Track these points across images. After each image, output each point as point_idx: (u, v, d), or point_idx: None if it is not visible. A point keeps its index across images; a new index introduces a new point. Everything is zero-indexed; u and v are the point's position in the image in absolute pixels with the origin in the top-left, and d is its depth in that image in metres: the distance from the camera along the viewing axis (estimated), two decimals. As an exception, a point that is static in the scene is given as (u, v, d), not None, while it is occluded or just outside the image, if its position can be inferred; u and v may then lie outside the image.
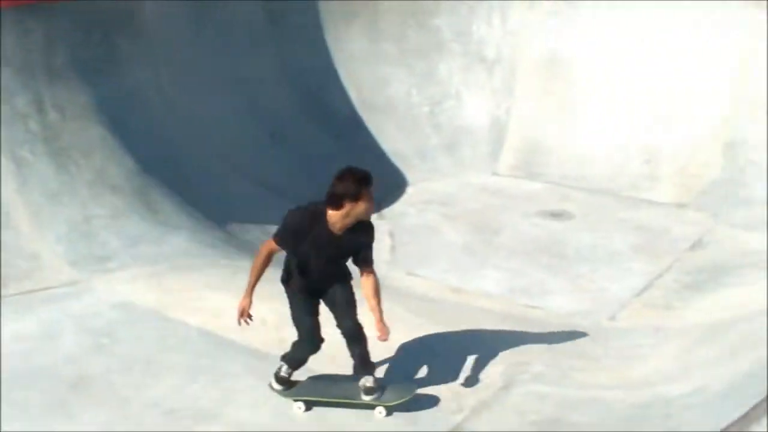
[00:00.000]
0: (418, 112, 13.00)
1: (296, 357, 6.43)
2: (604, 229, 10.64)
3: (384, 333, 6.07)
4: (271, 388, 6.48)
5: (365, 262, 6.12)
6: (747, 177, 11.03)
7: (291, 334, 6.41)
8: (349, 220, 5.89)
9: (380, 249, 9.78)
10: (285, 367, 6.43)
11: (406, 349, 7.12)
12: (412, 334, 7.31)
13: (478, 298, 8.97)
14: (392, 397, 6.37)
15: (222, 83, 11.72)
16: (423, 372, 6.88)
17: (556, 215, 11.05)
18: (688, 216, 10.92)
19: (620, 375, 7.02)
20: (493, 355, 7.10)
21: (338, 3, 13.19)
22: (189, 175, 10.36)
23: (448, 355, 7.14)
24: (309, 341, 6.30)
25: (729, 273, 9.20)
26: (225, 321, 7.14)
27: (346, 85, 13.01)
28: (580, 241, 10.34)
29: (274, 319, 7.20)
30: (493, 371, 6.90)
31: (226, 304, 7.28)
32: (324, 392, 6.50)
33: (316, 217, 5.90)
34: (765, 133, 11.05)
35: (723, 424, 5.33)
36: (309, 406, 6.43)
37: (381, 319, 6.08)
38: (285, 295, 6.32)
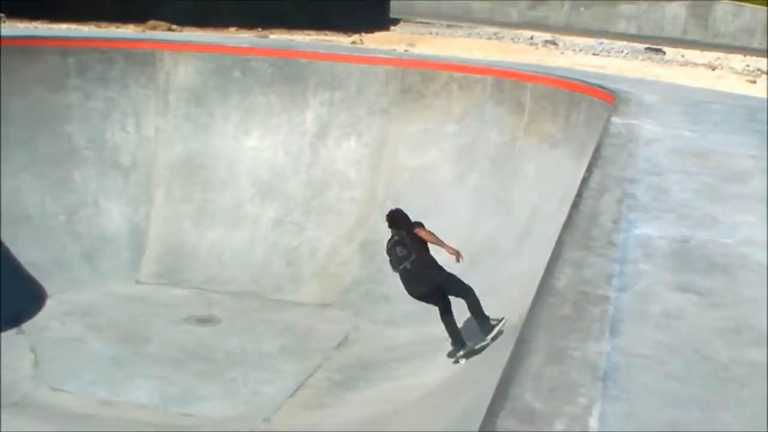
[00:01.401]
0: (53, 221, 12.39)
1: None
2: (252, 332, 10.68)
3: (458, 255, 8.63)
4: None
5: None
6: (384, 275, 11.54)
7: None
8: None
9: (22, 366, 9.22)
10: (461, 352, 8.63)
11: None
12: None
13: (129, 410, 8.67)
14: None
15: None
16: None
17: (203, 321, 10.95)
18: (333, 315, 11.22)
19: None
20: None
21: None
22: None
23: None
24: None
25: (377, 368, 9.53)
26: None
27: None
28: (229, 345, 10.30)
29: None
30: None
31: None
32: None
33: None
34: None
35: None
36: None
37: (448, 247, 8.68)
38: None
